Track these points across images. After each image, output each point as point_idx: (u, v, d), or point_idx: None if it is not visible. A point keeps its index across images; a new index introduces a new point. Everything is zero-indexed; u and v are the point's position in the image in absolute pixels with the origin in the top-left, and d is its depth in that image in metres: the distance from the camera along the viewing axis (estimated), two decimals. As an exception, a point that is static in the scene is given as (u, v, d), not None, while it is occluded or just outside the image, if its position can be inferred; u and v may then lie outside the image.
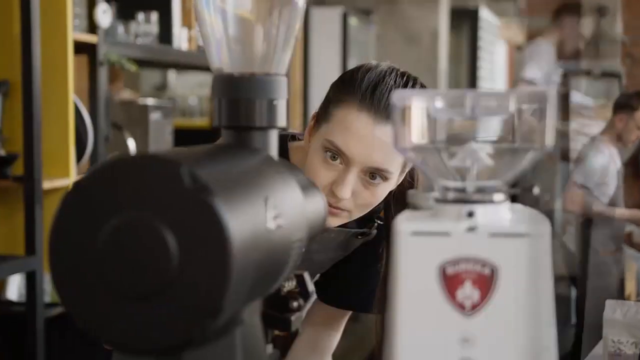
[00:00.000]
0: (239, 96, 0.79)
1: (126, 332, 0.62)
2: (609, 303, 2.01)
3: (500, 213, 0.70)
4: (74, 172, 2.52)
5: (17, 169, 2.37)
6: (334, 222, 1.28)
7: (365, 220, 1.40)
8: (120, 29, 2.90)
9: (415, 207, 0.80)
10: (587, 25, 4.52)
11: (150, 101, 3.16)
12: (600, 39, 9.00)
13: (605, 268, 4.44)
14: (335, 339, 1.54)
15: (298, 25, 0.84)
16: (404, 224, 0.69)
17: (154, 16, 3.00)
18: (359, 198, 1.25)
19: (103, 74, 2.64)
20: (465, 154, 0.71)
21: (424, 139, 0.71)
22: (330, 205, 1.24)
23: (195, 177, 0.61)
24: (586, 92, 6.36)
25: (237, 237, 0.61)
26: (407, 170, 1.32)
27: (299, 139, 1.42)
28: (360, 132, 1.20)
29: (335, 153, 1.23)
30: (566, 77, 4.55)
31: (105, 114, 2.70)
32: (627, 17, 8.68)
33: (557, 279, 4.07)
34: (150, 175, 0.62)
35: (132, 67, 2.69)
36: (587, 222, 4.50)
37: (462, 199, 0.70)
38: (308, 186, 0.86)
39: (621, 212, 4.73)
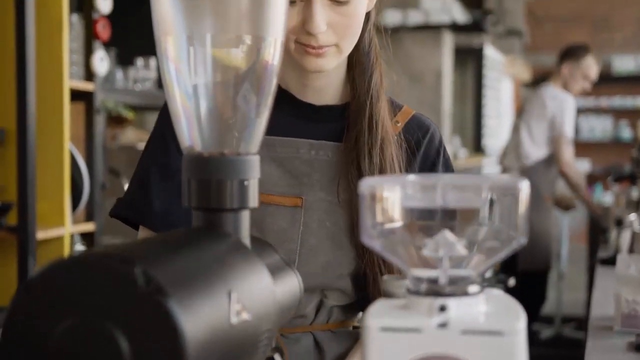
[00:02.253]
0: (209, 177, 0.77)
1: None
2: (622, 257, 1.81)
3: (474, 306, 0.67)
4: (69, 222, 2.50)
5: (12, 218, 2.35)
6: (326, 62, 1.17)
7: None
8: (119, 74, 2.89)
9: (388, 295, 0.77)
10: (591, 66, 4.51)
11: (149, 146, 3.14)
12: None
13: (545, 214, 4.39)
14: None
15: (272, 93, 0.82)
16: (374, 318, 0.66)
17: (153, 62, 2.99)
18: (336, 26, 1.15)
19: (100, 121, 2.63)
20: (438, 244, 0.68)
21: (393, 228, 0.69)
22: (312, 47, 1.15)
23: (149, 278, 0.58)
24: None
25: (194, 339, 0.59)
26: None
27: None
28: None
29: None
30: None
31: (102, 160, 2.68)
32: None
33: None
34: (104, 275, 0.59)
35: (129, 114, 2.68)
36: (535, 166, 4.46)
37: (435, 291, 0.67)
38: (280, 268, 0.83)
39: (591, 200, 4.78)
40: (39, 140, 2.38)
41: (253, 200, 0.79)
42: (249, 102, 0.80)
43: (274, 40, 0.80)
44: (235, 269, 0.70)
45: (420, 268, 0.69)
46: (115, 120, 3.66)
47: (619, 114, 9.76)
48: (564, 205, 4.95)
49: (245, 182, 0.78)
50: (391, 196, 0.68)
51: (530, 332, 4.88)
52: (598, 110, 9.80)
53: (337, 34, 1.15)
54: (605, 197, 8.35)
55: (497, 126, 8.01)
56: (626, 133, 9.70)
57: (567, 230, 5.91)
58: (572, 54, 4.48)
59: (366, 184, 0.68)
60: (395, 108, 1.29)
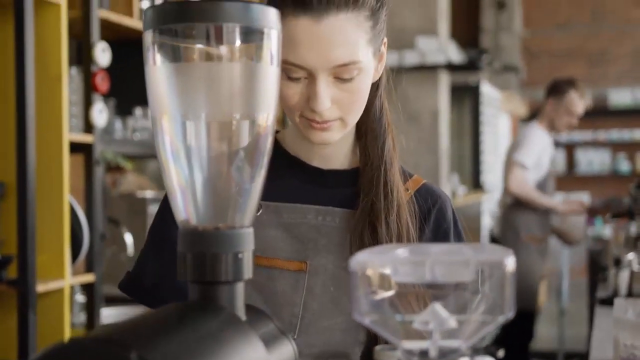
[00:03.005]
0: (204, 250, 0.79)
1: None
2: (619, 302, 1.81)
3: (464, 379, 0.68)
4: (69, 273, 2.51)
5: (12, 271, 2.36)
6: (331, 136, 1.18)
7: None
8: (118, 124, 2.92)
9: (381, 366, 0.78)
10: (574, 101, 4.50)
11: (149, 194, 3.17)
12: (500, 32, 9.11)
13: (525, 255, 4.32)
14: None
15: (265, 165, 0.84)
16: (366, 393, 0.68)
17: (151, 111, 3.03)
18: (341, 102, 1.15)
19: (99, 172, 2.66)
20: (428, 317, 0.70)
21: (384, 303, 0.70)
22: (317, 122, 1.15)
23: (145, 362, 0.60)
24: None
25: (190, 421, 0.60)
26: (382, 47, 1.21)
27: None
28: (306, 37, 1.10)
29: (293, 71, 1.12)
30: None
31: (101, 211, 2.70)
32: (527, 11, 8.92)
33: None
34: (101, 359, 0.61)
35: (128, 165, 2.71)
36: (514, 205, 4.43)
37: (425, 364, 0.69)
38: (275, 336, 0.84)
39: (555, 203, 4.59)
40: (38, 193, 2.40)
41: (247, 272, 0.80)
42: (243, 175, 0.83)
43: (267, 115, 0.82)
44: (229, 345, 0.71)
45: (412, 340, 0.71)
46: (116, 167, 3.69)
47: (616, 147, 9.81)
48: (567, 240, 4.94)
49: (240, 255, 0.79)
50: (381, 272, 0.70)
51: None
52: (596, 144, 9.85)
53: (341, 110, 1.16)
54: (605, 230, 8.36)
55: (495, 162, 8.05)
56: (624, 166, 9.74)
57: (567, 265, 5.91)
58: (555, 89, 4.50)
59: (356, 261, 0.70)
60: (406, 175, 1.29)
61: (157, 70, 0.79)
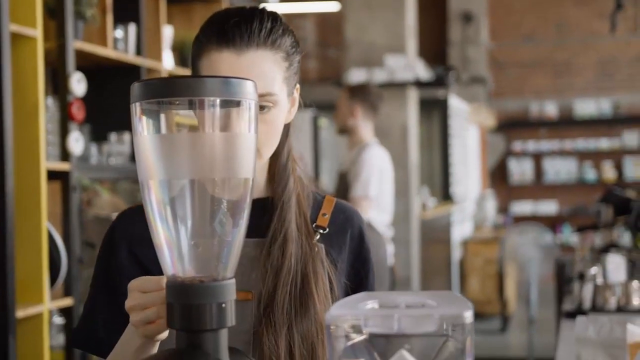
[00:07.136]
0: (191, 302, 0.86)
1: None
2: (580, 319, 1.90)
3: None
4: (47, 298, 2.56)
5: (-9, 298, 2.41)
6: None
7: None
8: (94, 149, 2.98)
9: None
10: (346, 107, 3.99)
11: (124, 216, 3.22)
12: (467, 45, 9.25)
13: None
14: None
15: (245, 220, 0.91)
16: None
17: (126, 136, 3.09)
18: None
19: (76, 198, 2.71)
20: (396, 363, 0.77)
21: (357, 351, 0.78)
22: None
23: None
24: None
25: None
26: (295, 92, 1.27)
27: None
28: (229, 69, 1.18)
29: None
30: None
31: (78, 236, 2.75)
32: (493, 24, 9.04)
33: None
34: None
35: (103, 192, 2.77)
36: None
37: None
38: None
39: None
40: (17, 220, 2.45)
41: (230, 319, 0.88)
42: (224, 229, 0.90)
43: (246, 175, 0.89)
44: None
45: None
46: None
47: (583, 156, 10.00)
48: None
49: (223, 305, 0.87)
50: (354, 324, 0.77)
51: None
52: (562, 153, 10.02)
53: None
54: (573, 238, 8.50)
55: (464, 173, 8.17)
56: (590, 174, 9.94)
57: (536, 274, 6.02)
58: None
59: (331, 315, 0.77)
60: (319, 200, 1.34)
61: (144, 139, 0.86)
